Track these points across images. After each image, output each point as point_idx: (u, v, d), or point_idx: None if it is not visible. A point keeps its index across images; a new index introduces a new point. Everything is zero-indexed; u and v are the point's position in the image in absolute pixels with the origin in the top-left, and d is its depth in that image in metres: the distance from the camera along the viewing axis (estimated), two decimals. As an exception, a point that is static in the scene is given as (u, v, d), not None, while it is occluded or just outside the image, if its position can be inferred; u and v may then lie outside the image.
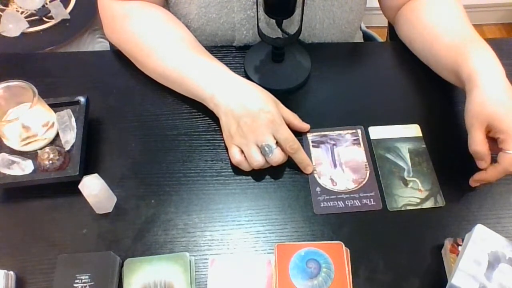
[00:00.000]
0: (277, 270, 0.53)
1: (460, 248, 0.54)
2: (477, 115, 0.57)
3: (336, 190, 0.62)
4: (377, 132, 0.67)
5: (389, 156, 0.65)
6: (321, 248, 0.55)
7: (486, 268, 0.49)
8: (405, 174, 0.63)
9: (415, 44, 0.74)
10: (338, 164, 0.64)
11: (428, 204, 0.60)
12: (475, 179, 0.60)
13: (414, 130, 0.67)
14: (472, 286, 0.48)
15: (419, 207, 0.60)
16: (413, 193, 0.61)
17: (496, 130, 0.56)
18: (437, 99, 0.71)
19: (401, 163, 0.64)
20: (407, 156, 0.65)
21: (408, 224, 0.59)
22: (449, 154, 0.65)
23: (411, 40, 0.74)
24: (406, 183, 0.62)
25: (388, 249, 0.57)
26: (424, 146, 0.66)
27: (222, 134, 0.64)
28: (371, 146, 0.66)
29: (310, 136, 0.67)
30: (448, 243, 0.55)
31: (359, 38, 0.95)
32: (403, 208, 0.60)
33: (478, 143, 0.56)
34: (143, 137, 0.67)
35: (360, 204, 0.60)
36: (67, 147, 0.61)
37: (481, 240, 0.51)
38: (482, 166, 0.57)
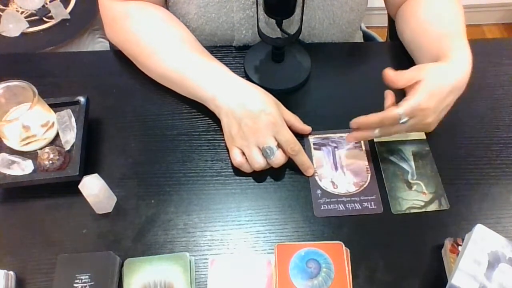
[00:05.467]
0: (277, 270, 0.53)
1: (460, 248, 0.54)
2: (424, 71, 0.59)
3: (336, 193, 0.62)
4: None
5: (393, 158, 0.65)
6: (321, 248, 0.55)
7: (486, 268, 0.49)
8: (409, 177, 0.63)
9: (405, 36, 0.74)
10: (339, 167, 0.64)
11: (433, 207, 0.60)
12: (353, 122, 0.61)
13: (417, 132, 0.67)
14: (472, 286, 0.48)
15: (423, 210, 0.60)
16: (417, 196, 0.61)
17: (415, 90, 0.58)
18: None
19: (405, 166, 0.64)
20: (411, 158, 0.65)
21: (407, 224, 0.59)
22: (453, 156, 0.65)
23: (402, 34, 0.75)
24: (410, 186, 0.62)
25: (388, 249, 0.57)
26: (428, 148, 0.66)
27: (222, 134, 0.64)
28: (372, 149, 0.66)
29: (312, 139, 0.67)
30: (448, 243, 0.55)
31: (359, 38, 0.95)
32: (407, 211, 0.60)
33: (400, 77, 0.58)
34: (143, 137, 0.67)
35: (360, 208, 0.60)
36: (67, 147, 0.61)
37: (481, 240, 0.51)
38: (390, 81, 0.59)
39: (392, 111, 0.57)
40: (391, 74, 0.58)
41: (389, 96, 0.61)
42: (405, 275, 0.55)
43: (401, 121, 0.57)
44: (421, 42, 0.69)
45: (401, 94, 0.61)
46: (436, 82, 0.58)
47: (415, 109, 0.57)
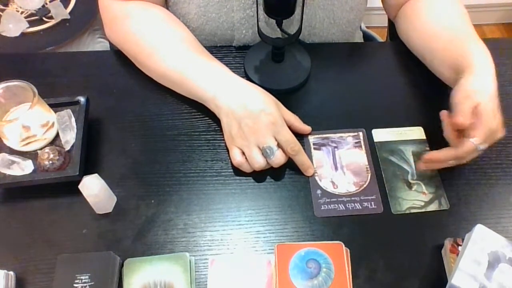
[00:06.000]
0: (277, 270, 0.53)
1: (460, 248, 0.54)
2: (473, 95, 0.57)
3: (337, 193, 0.62)
4: (380, 134, 0.67)
5: (392, 158, 0.65)
6: (321, 248, 0.55)
7: (486, 268, 0.49)
8: (409, 177, 0.63)
9: (412, 40, 0.74)
10: (339, 166, 0.64)
11: (433, 207, 0.60)
12: (427, 158, 0.60)
13: (417, 132, 0.67)
14: (472, 286, 0.48)
15: (423, 210, 0.60)
16: (417, 196, 0.61)
17: (476, 116, 0.56)
18: (439, 101, 0.71)
19: (405, 166, 0.64)
20: (410, 158, 0.65)
21: (408, 225, 0.59)
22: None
23: (409, 37, 0.75)
24: (410, 186, 0.62)
25: (388, 249, 0.57)
26: (428, 148, 0.66)
27: (222, 134, 0.64)
28: (372, 149, 0.66)
29: (312, 139, 0.67)
30: (448, 243, 0.55)
31: (359, 38, 0.95)
32: (407, 212, 0.60)
33: (467, 116, 0.56)
34: (143, 137, 0.67)
35: (361, 207, 0.60)
36: (67, 147, 0.61)
37: (481, 240, 0.51)
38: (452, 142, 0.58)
39: (469, 144, 0.56)
40: (460, 120, 0.56)
41: (444, 115, 0.60)
42: (405, 275, 0.55)
43: (479, 149, 0.57)
44: (432, 47, 0.69)
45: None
46: (489, 98, 0.57)
47: (488, 134, 0.56)
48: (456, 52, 0.64)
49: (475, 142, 0.56)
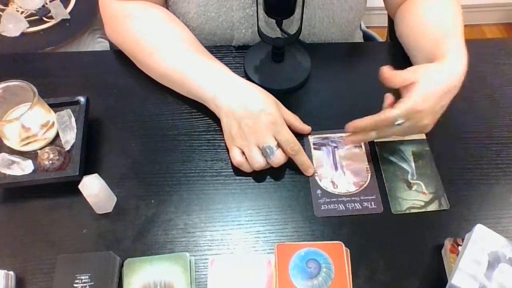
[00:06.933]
0: (277, 270, 0.53)
1: (460, 248, 0.54)
2: (418, 73, 0.59)
3: (336, 193, 0.62)
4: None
5: (393, 158, 0.65)
6: (321, 248, 0.55)
7: (486, 268, 0.49)
8: (409, 177, 0.63)
9: (403, 35, 0.74)
10: (339, 166, 0.64)
11: (433, 207, 0.60)
12: (349, 125, 0.60)
13: (417, 132, 0.67)
14: (472, 286, 0.48)
15: (423, 210, 0.60)
16: (417, 196, 0.61)
17: (407, 90, 0.58)
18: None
19: (405, 166, 0.64)
20: (411, 158, 0.65)
21: (408, 224, 0.59)
22: (453, 156, 0.65)
23: (401, 32, 0.75)
24: (410, 186, 0.62)
25: (388, 249, 0.57)
26: (428, 148, 0.66)
27: (222, 134, 0.64)
28: (372, 149, 0.66)
29: (312, 138, 0.67)
30: (448, 243, 0.55)
31: (359, 38, 0.95)
32: (407, 211, 0.60)
33: (395, 75, 0.58)
34: (143, 137, 0.67)
35: (361, 207, 0.60)
36: (67, 147, 0.61)
37: (481, 240, 0.51)
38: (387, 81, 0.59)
39: (388, 112, 0.57)
40: (388, 73, 0.58)
41: (389, 98, 0.60)
42: (405, 275, 0.55)
43: (396, 123, 0.57)
44: (419, 42, 0.69)
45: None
46: (431, 83, 0.58)
47: (410, 111, 0.56)
48: (437, 48, 0.63)
49: (393, 112, 0.56)
